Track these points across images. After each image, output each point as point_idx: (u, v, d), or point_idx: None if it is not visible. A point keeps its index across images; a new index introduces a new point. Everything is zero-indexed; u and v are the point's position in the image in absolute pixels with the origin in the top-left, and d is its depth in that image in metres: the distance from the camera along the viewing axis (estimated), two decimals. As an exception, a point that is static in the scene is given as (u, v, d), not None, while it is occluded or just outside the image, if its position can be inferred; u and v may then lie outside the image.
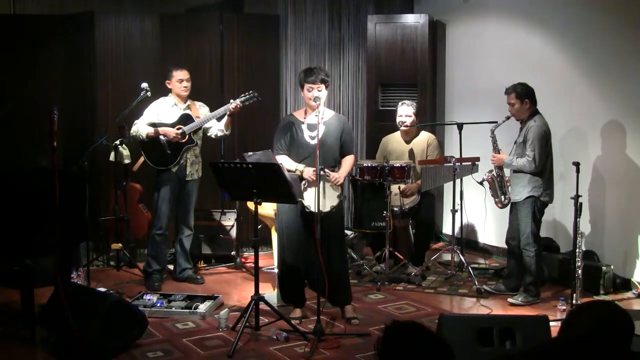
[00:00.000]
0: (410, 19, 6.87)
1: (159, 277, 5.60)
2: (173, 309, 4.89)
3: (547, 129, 5.08)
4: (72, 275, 5.17)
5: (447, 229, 6.93)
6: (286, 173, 4.37)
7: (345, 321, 4.73)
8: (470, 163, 5.75)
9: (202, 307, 4.88)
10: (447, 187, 6.55)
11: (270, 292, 5.27)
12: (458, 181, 5.75)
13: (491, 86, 6.17)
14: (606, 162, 5.65)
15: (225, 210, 6.35)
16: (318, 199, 4.37)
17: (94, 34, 6.43)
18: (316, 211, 4.38)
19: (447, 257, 6.04)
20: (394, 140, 6.05)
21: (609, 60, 5.59)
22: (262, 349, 4.28)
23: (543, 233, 5.44)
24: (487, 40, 6.69)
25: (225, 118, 5.43)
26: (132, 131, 5.48)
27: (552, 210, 5.56)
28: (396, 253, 5.72)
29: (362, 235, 6.36)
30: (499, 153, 5.29)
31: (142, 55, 6.54)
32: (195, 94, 5.66)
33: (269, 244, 6.23)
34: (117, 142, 5.73)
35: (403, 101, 6.02)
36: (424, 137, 6.01)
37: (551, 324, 3.90)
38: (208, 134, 5.61)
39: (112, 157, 5.81)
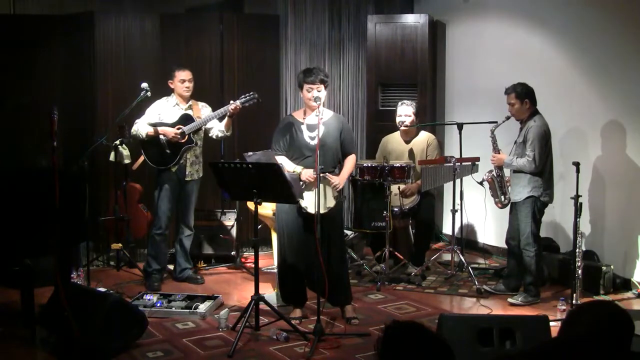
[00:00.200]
0: (410, 19, 6.87)
1: (159, 277, 5.60)
2: (173, 309, 4.89)
3: (547, 129, 5.08)
4: (72, 275, 5.17)
5: (447, 229, 6.93)
6: (286, 173, 4.37)
7: (345, 321, 4.73)
8: (470, 163, 5.75)
9: (202, 307, 4.88)
10: (447, 187, 6.55)
11: (270, 292, 5.27)
12: (458, 181, 5.75)
13: (491, 86, 6.16)
14: (606, 162, 5.65)
15: (225, 210, 6.35)
16: (318, 198, 4.37)
17: (94, 34, 6.43)
18: (316, 211, 4.38)
19: (447, 257, 6.04)
20: (394, 140, 6.05)
21: (609, 60, 5.59)
22: (262, 349, 4.28)
23: (543, 233, 5.44)
24: (487, 40, 6.69)
25: (225, 119, 5.43)
26: (132, 130, 5.49)
27: (552, 210, 5.55)
28: (396, 253, 5.72)
29: (362, 235, 6.36)
30: (499, 153, 5.29)
31: (142, 55, 6.54)
32: (195, 94, 5.66)
33: (269, 244, 6.23)
34: (117, 142, 5.74)
35: (403, 101, 6.02)
36: (424, 137, 6.01)
37: (551, 324, 3.91)
38: (209, 135, 5.61)
39: (112, 157, 5.81)
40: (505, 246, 5.48)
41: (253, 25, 6.84)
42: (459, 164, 5.65)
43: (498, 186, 5.38)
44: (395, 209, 5.73)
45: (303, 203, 4.56)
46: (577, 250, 4.95)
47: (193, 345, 4.34)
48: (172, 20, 6.70)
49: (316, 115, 4.53)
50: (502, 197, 5.39)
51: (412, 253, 5.95)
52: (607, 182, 5.66)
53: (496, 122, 5.32)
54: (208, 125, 5.55)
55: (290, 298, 4.85)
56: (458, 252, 5.74)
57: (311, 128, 4.67)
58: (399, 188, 5.68)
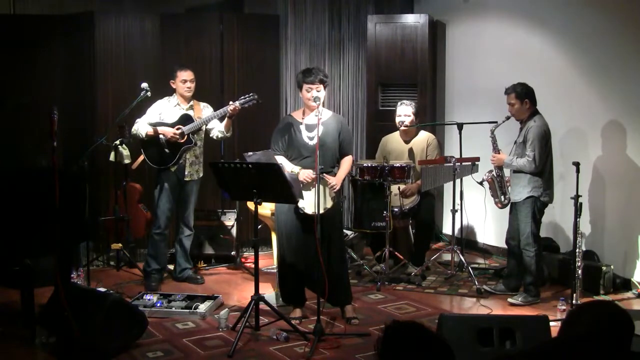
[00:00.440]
0: (410, 19, 6.87)
1: (158, 277, 5.60)
2: (173, 309, 4.89)
3: (547, 129, 5.08)
4: (72, 275, 5.17)
5: (447, 229, 6.93)
6: (286, 173, 4.37)
7: (345, 321, 4.73)
8: (470, 163, 5.75)
9: (202, 307, 4.88)
10: (447, 187, 6.55)
11: (270, 292, 5.27)
12: (458, 181, 5.75)
13: (491, 86, 6.16)
14: (606, 162, 5.65)
15: (225, 210, 6.35)
16: (318, 199, 4.37)
17: (94, 34, 6.43)
18: (316, 212, 4.38)
19: (447, 257, 6.05)
20: (394, 140, 6.05)
21: (609, 60, 5.58)
22: (262, 349, 4.28)
23: (543, 233, 5.44)
24: (487, 40, 6.69)
25: (225, 120, 5.43)
26: (132, 129, 5.49)
27: (552, 210, 5.56)
28: (396, 253, 5.72)
29: (362, 235, 6.36)
30: (499, 153, 5.29)
31: (142, 55, 6.55)
32: (195, 94, 5.65)
33: (269, 244, 6.23)
34: (117, 142, 5.74)
35: (402, 101, 6.03)
36: (424, 136, 6.01)
37: (551, 324, 3.91)
38: (210, 135, 5.61)
39: (112, 157, 5.81)
40: (505, 246, 5.48)
41: (253, 25, 6.84)
42: (459, 164, 5.65)
43: (498, 186, 5.38)
44: (395, 209, 5.73)
45: (300, 204, 4.56)
46: (577, 250, 4.95)
47: (193, 345, 4.34)
48: (172, 20, 6.71)
49: (316, 115, 4.53)
50: (502, 197, 5.39)
51: (412, 253, 5.95)
52: (607, 182, 5.66)
53: (496, 122, 5.32)
54: (209, 126, 5.55)
55: (290, 298, 4.85)
56: (458, 252, 5.74)
57: (310, 128, 4.67)
58: (399, 188, 5.68)
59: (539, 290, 5.21)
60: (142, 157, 5.64)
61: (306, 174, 4.58)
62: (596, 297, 5.26)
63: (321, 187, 4.52)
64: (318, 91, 4.62)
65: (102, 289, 5.20)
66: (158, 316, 4.80)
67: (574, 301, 4.89)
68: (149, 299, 5.00)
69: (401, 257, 5.75)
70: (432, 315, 4.76)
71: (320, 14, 7.22)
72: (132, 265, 6.08)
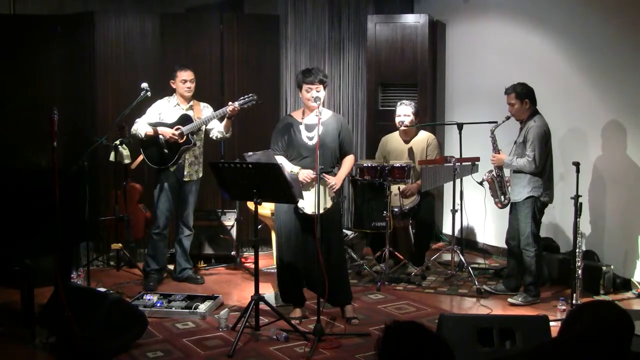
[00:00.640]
0: (410, 19, 6.87)
1: (157, 277, 5.59)
2: (173, 309, 4.89)
3: (547, 129, 5.08)
4: (72, 275, 5.18)
5: (447, 229, 6.93)
6: (286, 173, 4.37)
7: (345, 321, 4.73)
8: (470, 163, 5.74)
9: (202, 307, 4.88)
10: (447, 187, 6.54)
11: (270, 292, 5.27)
12: (458, 181, 5.74)
13: (491, 86, 6.17)
14: (606, 162, 5.65)
15: (225, 210, 6.35)
16: (318, 199, 4.37)
17: (94, 34, 6.44)
18: (316, 212, 4.38)
19: (447, 257, 6.05)
20: (393, 140, 6.05)
21: (609, 60, 5.58)
22: (262, 349, 4.28)
23: (543, 233, 5.44)
24: (487, 40, 6.69)
25: (224, 121, 5.42)
26: (132, 129, 5.49)
27: (552, 211, 5.56)
28: (396, 253, 5.72)
29: (362, 235, 6.36)
30: (499, 153, 5.29)
31: (142, 55, 6.55)
32: (195, 94, 5.65)
33: (269, 244, 6.23)
34: (117, 142, 5.74)
35: (402, 101, 6.03)
36: (424, 136, 6.01)
37: (551, 324, 3.90)
38: (210, 136, 5.61)
39: (112, 157, 5.81)
40: (505, 246, 5.48)
41: (253, 25, 6.84)
42: (459, 164, 5.65)
43: (498, 186, 5.38)
44: (395, 209, 5.73)
45: (300, 204, 4.56)
46: (577, 250, 4.95)
47: (193, 345, 4.34)
48: (172, 20, 6.71)
49: (316, 115, 4.53)
50: (502, 197, 5.39)
51: (412, 253, 5.95)
52: (607, 182, 5.66)
53: (496, 122, 5.32)
54: (209, 126, 5.55)
55: (290, 298, 4.85)
56: (458, 252, 5.74)
57: (309, 128, 4.67)
58: (399, 188, 5.68)
59: (539, 290, 5.21)
60: (141, 157, 5.64)
61: (306, 174, 4.58)
62: (596, 297, 5.26)
63: (321, 187, 4.52)
64: (318, 91, 4.62)
65: (102, 289, 5.21)
66: (158, 316, 4.80)
67: (574, 301, 4.89)
68: (149, 299, 5.00)
69: (401, 257, 5.75)
70: (432, 315, 4.76)
71: (320, 14, 7.22)
72: (132, 265, 6.08)
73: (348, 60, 7.33)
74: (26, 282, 4.44)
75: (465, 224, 6.27)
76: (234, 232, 6.27)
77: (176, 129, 5.42)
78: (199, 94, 5.78)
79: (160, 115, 5.51)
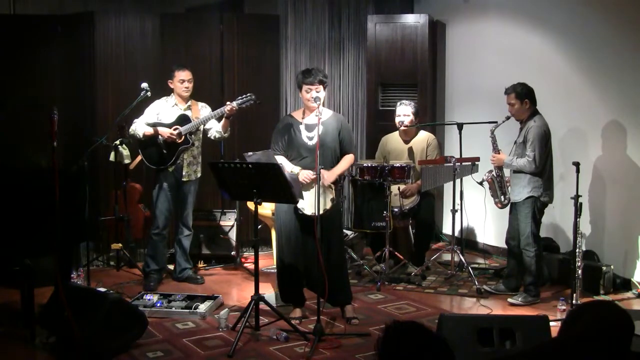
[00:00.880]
0: (410, 19, 6.87)
1: (156, 277, 5.59)
2: (173, 309, 4.89)
3: (547, 129, 5.08)
4: (72, 275, 5.17)
5: (447, 229, 6.93)
6: (286, 173, 4.37)
7: (345, 321, 4.73)
8: (470, 163, 5.75)
9: (202, 307, 4.88)
10: (447, 187, 6.55)
11: (270, 292, 5.27)
12: (458, 181, 5.75)
13: (491, 86, 6.17)
14: (606, 162, 5.65)
15: (225, 210, 6.35)
16: (318, 199, 4.37)
17: (94, 34, 6.44)
18: (316, 212, 4.37)
19: (447, 257, 6.05)
20: (393, 140, 6.05)
21: (609, 60, 5.58)
22: (262, 349, 4.28)
23: (543, 233, 5.44)
24: (487, 40, 6.69)
25: (223, 120, 5.42)
26: (130, 129, 5.49)
27: (552, 211, 5.56)
28: (396, 253, 5.72)
29: (362, 235, 6.36)
30: (499, 153, 5.29)
31: (142, 55, 6.55)
32: (194, 94, 5.66)
33: (269, 244, 6.23)
34: (117, 142, 5.74)
35: (401, 101, 6.03)
36: (423, 136, 6.01)
37: (551, 324, 3.90)
38: (208, 136, 5.61)
39: (112, 157, 5.82)
40: (505, 246, 5.48)
41: (253, 25, 6.85)
42: (459, 164, 5.65)
43: (498, 186, 5.38)
44: (395, 209, 5.73)
45: (299, 204, 4.55)
46: (577, 250, 4.95)
47: (193, 345, 4.34)
48: (172, 20, 6.71)
49: (316, 115, 4.52)
50: (502, 197, 5.39)
51: (412, 253, 5.95)
52: (607, 182, 5.65)
53: (496, 122, 5.32)
54: (207, 126, 5.55)
55: (290, 298, 4.85)
56: (458, 252, 5.74)
57: (309, 128, 4.67)
58: (399, 188, 5.68)
59: (539, 290, 5.21)
60: (139, 157, 5.64)
61: (306, 174, 4.58)
62: (596, 297, 5.26)
63: (321, 187, 4.52)
64: (317, 92, 4.62)
65: (102, 289, 5.21)
66: (158, 316, 4.80)
67: (574, 301, 4.89)
68: (149, 299, 5.00)
69: (401, 257, 5.75)
70: (432, 315, 4.76)
71: (320, 14, 7.22)
72: (132, 265, 6.08)
73: (348, 60, 7.33)
74: (26, 282, 4.44)
75: (465, 224, 6.27)
76: (234, 232, 6.27)
77: (174, 129, 5.41)
78: (199, 94, 5.78)
79: (158, 116, 5.51)
